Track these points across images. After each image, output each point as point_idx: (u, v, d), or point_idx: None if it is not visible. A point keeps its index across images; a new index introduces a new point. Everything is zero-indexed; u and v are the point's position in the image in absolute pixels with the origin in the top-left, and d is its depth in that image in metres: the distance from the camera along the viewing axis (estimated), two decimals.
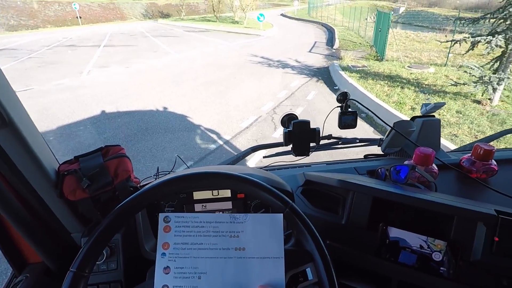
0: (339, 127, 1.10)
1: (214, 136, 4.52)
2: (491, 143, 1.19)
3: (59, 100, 6.28)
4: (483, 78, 5.33)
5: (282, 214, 0.60)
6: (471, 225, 0.69)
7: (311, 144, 1.07)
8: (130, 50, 13.12)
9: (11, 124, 0.60)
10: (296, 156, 1.07)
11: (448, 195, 0.83)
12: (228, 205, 0.90)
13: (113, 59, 10.90)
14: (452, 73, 7.56)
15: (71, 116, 5.31)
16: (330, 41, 14.49)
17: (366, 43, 12.96)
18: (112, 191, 0.80)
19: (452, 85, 5.93)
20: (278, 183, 0.89)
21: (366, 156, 1.32)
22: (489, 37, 5.31)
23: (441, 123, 1.24)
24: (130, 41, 15.94)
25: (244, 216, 0.60)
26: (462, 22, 6.00)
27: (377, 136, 4.30)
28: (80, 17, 27.18)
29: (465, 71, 5.83)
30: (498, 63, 5.51)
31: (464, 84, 5.78)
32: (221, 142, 4.33)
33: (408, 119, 1.23)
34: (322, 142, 1.26)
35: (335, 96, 1.30)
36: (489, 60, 5.70)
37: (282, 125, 1.11)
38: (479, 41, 5.48)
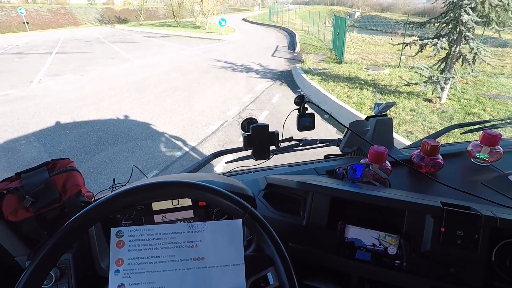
0: (297, 129, 1.12)
1: (180, 143, 4.43)
2: (438, 139, 1.28)
3: (7, 112, 5.81)
4: (432, 78, 5.73)
5: (241, 220, 0.60)
6: (420, 218, 0.73)
7: (272, 148, 1.07)
8: (85, 57, 12.50)
9: None
10: (256, 160, 1.07)
11: (401, 191, 0.88)
12: (190, 214, 0.88)
13: (67, 67, 10.31)
14: (405, 73, 8.05)
15: (20, 129, 4.93)
16: (292, 45, 14.84)
17: (326, 46, 13.43)
18: (60, 208, 0.75)
19: (405, 85, 6.31)
20: (239, 188, 0.88)
21: (326, 157, 1.36)
22: (435, 40, 5.72)
23: (397, 121, 1.30)
24: (86, 48, 15.20)
25: (202, 224, 0.59)
26: (411, 26, 6.41)
27: (341, 135, 4.45)
28: (27, 23, 25.44)
29: (416, 72, 6.22)
30: (444, 64, 5.95)
31: (416, 84, 6.17)
32: (187, 149, 4.24)
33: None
34: (283, 144, 1.28)
35: None
36: (436, 61, 6.13)
37: (242, 129, 1.11)
38: (427, 44, 5.87)
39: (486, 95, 6.23)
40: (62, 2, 34.20)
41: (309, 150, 1.38)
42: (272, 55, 12.14)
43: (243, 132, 1.08)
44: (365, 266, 0.75)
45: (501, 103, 5.73)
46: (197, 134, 4.76)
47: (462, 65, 5.82)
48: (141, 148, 4.24)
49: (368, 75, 7.97)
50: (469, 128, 1.53)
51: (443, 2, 5.53)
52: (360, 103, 5.72)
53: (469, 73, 5.67)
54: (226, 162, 1.46)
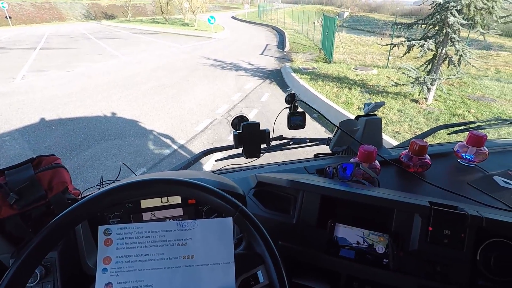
0: (288, 128, 1.12)
1: (168, 141, 4.38)
2: (426, 139, 1.30)
3: None
4: (419, 79, 5.83)
5: (231, 218, 0.59)
6: (409, 217, 0.74)
7: (262, 146, 1.07)
8: (71, 53, 12.23)
9: None
10: (247, 158, 1.07)
11: (389, 190, 0.89)
12: (179, 211, 0.87)
13: (52, 63, 10.06)
14: (393, 74, 8.17)
15: (2, 126, 4.79)
16: (281, 44, 14.86)
17: (315, 46, 13.51)
18: (46, 205, 0.73)
19: (393, 85, 6.40)
20: (229, 186, 0.88)
21: (316, 156, 1.37)
22: (422, 41, 5.82)
23: (385, 121, 1.32)
24: (71, 44, 14.86)
25: (192, 222, 0.59)
26: (398, 27, 6.50)
27: (329, 135, 4.48)
28: (10, 17, 24.73)
29: (404, 73, 6.32)
30: (430, 65, 6.06)
31: (403, 84, 6.26)
32: (175, 147, 4.20)
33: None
34: (273, 143, 1.28)
35: None
36: (423, 63, 6.24)
37: (232, 127, 1.11)
38: (414, 45, 5.97)
39: (471, 96, 6.38)
40: None
41: (299, 149, 1.39)
42: (262, 54, 12.14)
43: (233, 130, 1.07)
44: (350, 263, 0.76)
45: (485, 104, 5.88)
46: (186, 132, 4.72)
47: (448, 67, 5.93)
48: (128, 145, 4.18)
49: (357, 75, 8.06)
50: (455, 129, 1.56)
51: (430, 4, 5.63)
52: (348, 103, 5.78)
53: (454, 75, 5.79)
54: (216, 160, 1.45)
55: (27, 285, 0.66)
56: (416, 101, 5.95)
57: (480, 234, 0.69)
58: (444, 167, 1.15)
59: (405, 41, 6.13)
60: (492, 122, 1.45)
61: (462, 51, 5.50)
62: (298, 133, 1.88)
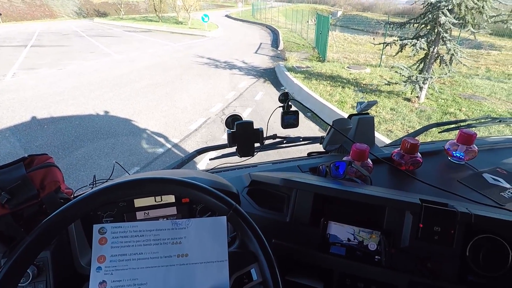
0: (282, 127, 1.13)
1: (162, 140, 4.36)
2: (417, 137, 1.32)
3: None
4: (411, 77, 5.89)
5: (225, 217, 0.60)
6: (400, 214, 0.76)
7: (256, 145, 1.08)
8: (63, 50, 12.07)
9: None
10: (241, 157, 1.07)
11: (382, 188, 0.90)
12: (173, 210, 0.87)
13: (43, 61, 9.92)
14: (386, 73, 8.24)
15: None
16: (275, 43, 14.86)
17: (309, 44, 13.54)
18: (38, 205, 0.73)
19: (386, 84, 6.46)
20: (223, 185, 0.88)
21: (309, 154, 1.37)
22: (414, 40, 5.87)
23: (378, 119, 1.34)
24: (63, 41, 14.67)
25: (186, 221, 0.59)
26: (391, 26, 6.55)
27: (323, 133, 4.50)
28: (0, 14, 24.32)
29: (396, 72, 6.37)
30: (422, 64, 6.12)
31: (396, 83, 6.32)
32: (169, 146, 4.19)
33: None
34: (267, 142, 1.28)
35: None
36: (416, 61, 6.30)
37: (226, 126, 1.11)
38: (406, 44, 6.02)
39: (462, 95, 6.46)
40: None
41: (293, 147, 1.39)
42: (256, 52, 12.13)
43: (227, 129, 1.08)
44: (341, 260, 0.77)
45: (475, 103, 5.97)
46: (179, 131, 4.70)
47: (439, 66, 6.00)
48: (122, 144, 4.15)
49: (350, 74, 8.10)
50: (446, 127, 1.59)
51: (422, 4, 5.68)
52: (342, 102, 5.81)
53: (446, 74, 5.85)
54: (210, 159, 1.45)
55: (19, 285, 0.66)
56: (409, 100, 6.01)
57: (469, 231, 0.70)
58: (435, 165, 1.16)
59: (397, 40, 6.18)
60: (482, 120, 1.48)
61: (454, 50, 5.57)
62: (291, 132, 1.89)
